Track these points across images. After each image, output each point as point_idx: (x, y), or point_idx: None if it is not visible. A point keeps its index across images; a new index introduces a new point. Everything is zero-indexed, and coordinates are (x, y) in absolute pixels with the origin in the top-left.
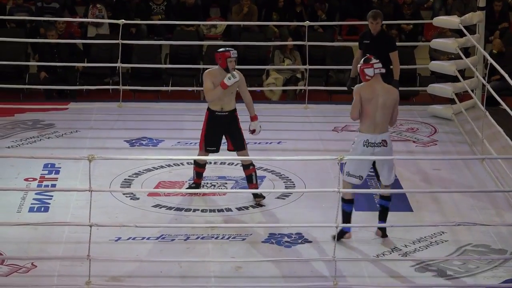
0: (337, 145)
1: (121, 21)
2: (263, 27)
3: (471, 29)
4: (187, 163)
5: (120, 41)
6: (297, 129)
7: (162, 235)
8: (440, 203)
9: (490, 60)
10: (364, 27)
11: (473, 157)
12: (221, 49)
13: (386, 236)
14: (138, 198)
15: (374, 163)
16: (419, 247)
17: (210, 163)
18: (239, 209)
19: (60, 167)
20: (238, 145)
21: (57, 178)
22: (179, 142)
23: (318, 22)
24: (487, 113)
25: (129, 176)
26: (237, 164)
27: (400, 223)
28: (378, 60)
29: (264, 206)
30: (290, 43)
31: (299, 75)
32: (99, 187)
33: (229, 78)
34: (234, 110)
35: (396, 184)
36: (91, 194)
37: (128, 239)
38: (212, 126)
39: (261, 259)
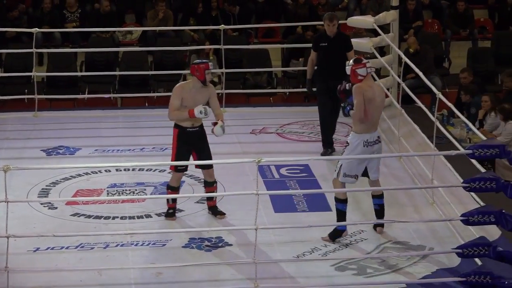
0: (255, 147)
1: (35, 30)
2: (179, 32)
3: (386, 28)
4: (105, 170)
5: (34, 50)
6: None
7: (81, 243)
8: (359, 202)
9: (405, 59)
10: (279, 29)
11: (391, 155)
12: (197, 61)
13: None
14: (56, 208)
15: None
16: (339, 246)
17: (129, 169)
18: (158, 215)
19: None
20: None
21: None
22: (96, 150)
23: (232, 25)
24: (403, 111)
25: (46, 186)
26: (155, 170)
27: (319, 223)
28: (368, 60)
29: (185, 211)
30: (205, 47)
31: (216, 79)
32: (15, 197)
33: (200, 112)
34: (202, 125)
35: (315, 184)
36: (7, 205)
37: (47, 249)
38: (183, 144)
39: (182, 264)
